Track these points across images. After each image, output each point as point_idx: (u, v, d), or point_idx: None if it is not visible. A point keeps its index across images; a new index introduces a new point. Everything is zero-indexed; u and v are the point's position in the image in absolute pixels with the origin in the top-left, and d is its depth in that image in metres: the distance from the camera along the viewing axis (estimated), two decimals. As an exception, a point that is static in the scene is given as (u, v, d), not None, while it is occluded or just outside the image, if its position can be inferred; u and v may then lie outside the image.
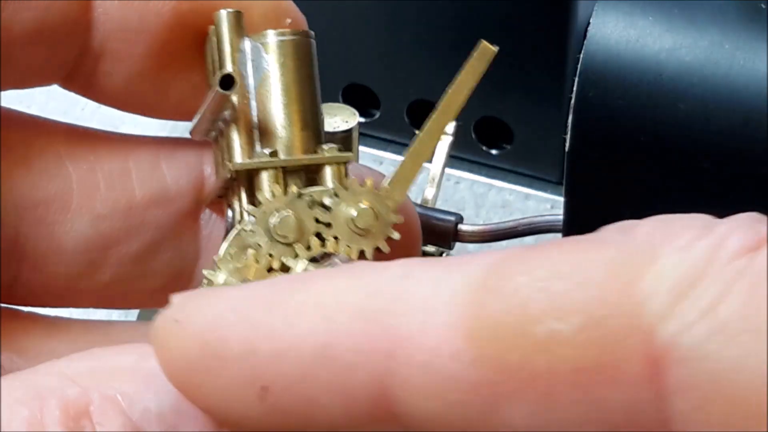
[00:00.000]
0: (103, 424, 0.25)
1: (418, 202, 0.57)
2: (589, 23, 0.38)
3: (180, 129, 0.57)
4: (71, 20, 0.30)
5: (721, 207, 0.37)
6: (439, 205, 0.58)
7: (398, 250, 0.29)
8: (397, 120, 0.66)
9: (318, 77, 0.30)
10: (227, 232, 0.30)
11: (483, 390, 0.22)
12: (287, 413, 0.24)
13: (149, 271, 0.32)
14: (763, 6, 0.38)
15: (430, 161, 0.56)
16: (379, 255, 0.28)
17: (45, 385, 0.25)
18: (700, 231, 0.22)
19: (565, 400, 0.22)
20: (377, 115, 0.68)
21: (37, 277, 0.31)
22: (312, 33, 0.30)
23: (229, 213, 0.30)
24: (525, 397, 0.22)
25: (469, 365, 0.22)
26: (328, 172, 0.29)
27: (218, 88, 0.28)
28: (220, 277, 0.27)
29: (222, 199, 0.31)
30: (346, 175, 0.29)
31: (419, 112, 0.66)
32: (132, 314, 0.53)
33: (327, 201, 0.28)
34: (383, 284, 0.24)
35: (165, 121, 0.34)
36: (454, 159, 0.65)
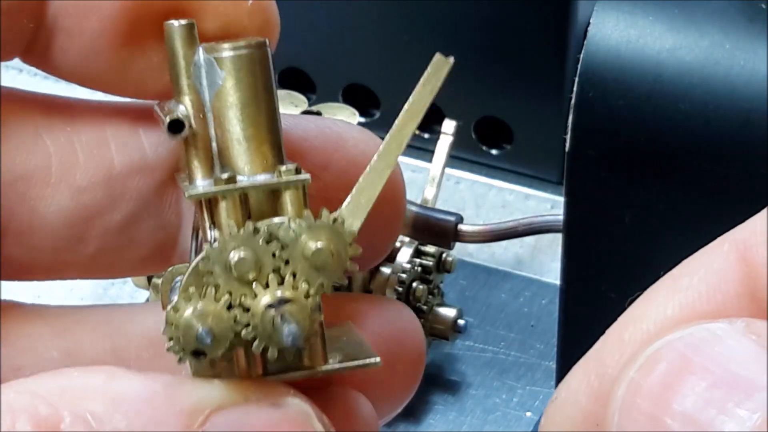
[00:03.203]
0: None
1: (418, 202, 0.57)
2: (589, 23, 0.38)
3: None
4: None
5: (721, 207, 0.37)
6: (439, 205, 0.58)
7: (381, 217, 0.29)
8: (397, 120, 0.67)
9: (275, 89, 0.30)
10: (194, 232, 0.30)
11: None
12: None
13: (133, 241, 0.32)
14: (763, 6, 0.38)
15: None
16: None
17: (16, 403, 0.25)
18: None
19: None
20: (377, 115, 0.68)
21: (22, 252, 0.31)
22: (267, 41, 0.30)
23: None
24: None
25: None
26: (286, 197, 0.29)
27: (167, 132, 0.28)
28: (187, 311, 0.27)
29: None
30: (305, 196, 0.29)
31: (419, 112, 0.66)
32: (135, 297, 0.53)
33: (282, 235, 0.28)
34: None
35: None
36: (454, 159, 0.65)
